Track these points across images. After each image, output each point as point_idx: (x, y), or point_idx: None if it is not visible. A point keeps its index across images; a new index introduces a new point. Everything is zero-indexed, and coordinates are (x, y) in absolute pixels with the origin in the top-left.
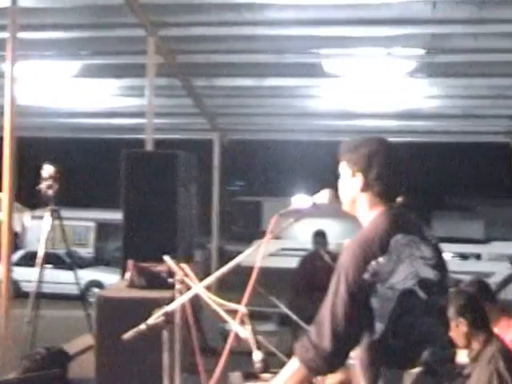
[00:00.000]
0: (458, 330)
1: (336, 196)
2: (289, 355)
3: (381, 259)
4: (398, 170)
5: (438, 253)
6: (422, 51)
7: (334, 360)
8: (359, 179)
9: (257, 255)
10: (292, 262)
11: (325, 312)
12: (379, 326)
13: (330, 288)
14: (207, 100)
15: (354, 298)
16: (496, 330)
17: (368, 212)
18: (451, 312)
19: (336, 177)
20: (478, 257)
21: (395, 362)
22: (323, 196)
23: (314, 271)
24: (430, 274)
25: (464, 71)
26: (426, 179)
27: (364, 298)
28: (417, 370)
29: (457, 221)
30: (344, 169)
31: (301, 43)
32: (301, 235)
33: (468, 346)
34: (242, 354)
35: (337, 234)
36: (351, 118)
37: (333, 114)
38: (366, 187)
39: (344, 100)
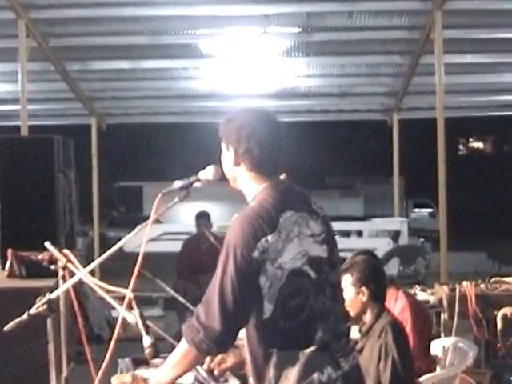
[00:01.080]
0: (357, 298)
1: (222, 172)
2: (177, 339)
3: (270, 237)
4: (273, 143)
5: (327, 226)
6: (297, 30)
7: (225, 340)
8: (231, 153)
9: (140, 239)
10: (176, 246)
11: (213, 291)
12: (268, 307)
13: (218, 266)
14: (83, 84)
15: (243, 276)
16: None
17: (252, 187)
18: (354, 279)
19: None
20: (359, 234)
21: (287, 343)
22: (208, 172)
23: (198, 254)
24: (319, 251)
25: (340, 49)
26: (305, 159)
27: (253, 276)
28: (312, 348)
29: (337, 199)
30: (222, 144)
31: (176, 24)
32: (184, 218)
33: (361, 317)
34: (130, 341)
35: (220, 216)
36: (230, 99)
37: (212, 96)
38: (238, 161)
39: (222, 81)
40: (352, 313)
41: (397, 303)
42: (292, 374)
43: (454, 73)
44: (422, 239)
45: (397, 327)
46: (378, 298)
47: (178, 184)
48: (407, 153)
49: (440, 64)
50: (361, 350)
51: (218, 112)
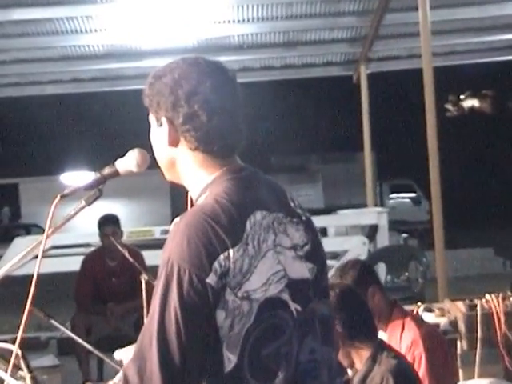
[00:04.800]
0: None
1: (151, 158)
2: None
3: (232, 252)
4: (227, 104)
5: (313, 233)
6: None
7: None
8: (165, 127)
9: (30, 259)
10: (72, 265)
11: (148, 338)
12: (229, 357)
13: (154, 299)
14: None
15: (193, 313)
16: (385, 333)
17: (198, 177)
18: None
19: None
20: (322, 232)
21: None
22: (130, 160)
23: (105, 274)
24: (303, 270)
25: None
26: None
27: (207, 312)
28: None
29: (287, 186)
30: (151, 117)
31: None
32: (80, 225)
33: (352, 363)
34: None
35: (130, 218)
36: (134, 58)
37: (110, 55)
38: (175, 137)
39: (123, 34)
40: (344, 364)
41: (403, 335)
42: None
43: (443, 6)
44: (404, 234)
45: (403, 375)
46: (358, 332)
47: (83, 180)
48: (380, 119)
49: None
50: None
51: (119, 77)
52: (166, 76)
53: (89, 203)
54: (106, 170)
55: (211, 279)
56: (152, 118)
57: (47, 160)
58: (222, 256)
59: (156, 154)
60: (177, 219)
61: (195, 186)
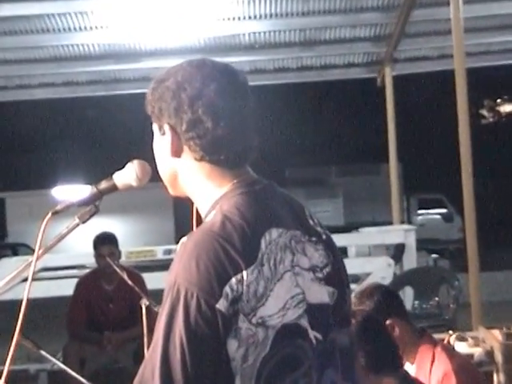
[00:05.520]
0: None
1: (152, 171)
2: None
3: (245, 274)
4: (235, 109)
5: (333, 254)
6: None
7: None
8: (168, 135)
9: (18, 283)
10: (64, 289)
11: (149, 370)
12: None
13: (157, 328)
14: None
15: (200, 342)
16: (413, 365)
17: (206, 190)
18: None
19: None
20: (342, 252)
21: None
22: (129, 173)
23: (101, 299)
24: (322, 294)
25: None
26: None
27: (217, 341)
28: None
29: (303, 201)
30: (154, 126)
31: None
32: (74, 244)
33: None
34: None
35: (128, 237)
36: (135, 60)
37: (107, 56)
38: (178, 146)
39: (122, 33)
40: None
41: (433, 368)
42: None
43: (477, 0)
44: (434, 255)
45: None
46: (389, 367)
47: (77, 195)
48: (407, 126)
49: None
50: None
51: (117, 80)
52: (169, 79)
53: (83, 221)
54: (103, 184)
55: (222, 305)
56: (155, 127)
57: (37, 172)
58: (234, 279)
59: (159, 166)
60: (184, 239)
61: (203, 200)
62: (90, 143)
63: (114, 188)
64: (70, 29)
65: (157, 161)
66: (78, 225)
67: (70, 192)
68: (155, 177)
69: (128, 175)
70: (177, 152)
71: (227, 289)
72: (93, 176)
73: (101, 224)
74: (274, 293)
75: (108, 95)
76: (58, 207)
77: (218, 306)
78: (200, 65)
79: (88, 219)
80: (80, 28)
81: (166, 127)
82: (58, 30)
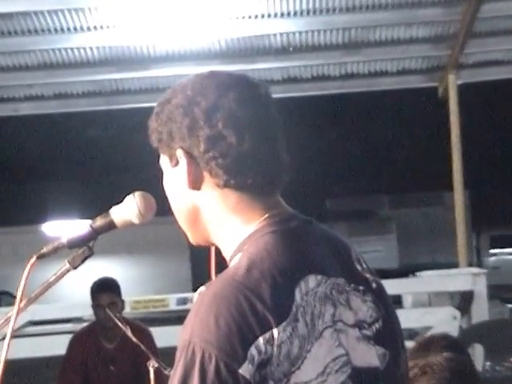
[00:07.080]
0: None
1: (157, 205)
2: None
3: (276, 332)
4: (262, 126)
5: (384, 305)
6: None
7: None
8: (183, 164)
9: None
10: (56, 347)
11: None
12: None
13: None
14: None
15: None
16: None
17: (232, 229)
18: None
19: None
20: (396, 302)
21: None
22: (129, 208)
23: (101, 359)
24: (371, 356)
25: None
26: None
27: None
28: None
29: (347, 238)
30: (162, 159)
31: None
32: (66, 293)
33: None
34: None
35: (136, 284)
36: (145, 66)
37: (110, 61)
38: (198, 175)
39: (130, 34)
40: None
41: None
42: None
43: None
44: (510, 305)
45: None
46: None
47: (68, 234)
48: (475, 147)
49: None
50: None
51: (120, 91)
52: (177, 96)
53: (74, 266)
54: (98, 221)
55: (246, 370)
56: (164, 160)
57: (23, 204)
58: (261, 339)
59: (173, 207)
60: (202, 288)
61: (228, 240)
62: (88, 169)
63: (111, 225)
64: (62, 29)
65: (170, 201)
66: (68, 270)
67: (62, 228)
68: (166, 210)
69: (128, 210)
70: (195, 182)
71: (253, 350)
72: (91, 209)
73: (100, 267)
74: (311, 354)
75: (109, 110)
76: (44, 250)
77: (241, 371)
78: (211, 75)
79: (80, 264)
80: (75, 28)
81: (180, 153)
82: (48, 30)
